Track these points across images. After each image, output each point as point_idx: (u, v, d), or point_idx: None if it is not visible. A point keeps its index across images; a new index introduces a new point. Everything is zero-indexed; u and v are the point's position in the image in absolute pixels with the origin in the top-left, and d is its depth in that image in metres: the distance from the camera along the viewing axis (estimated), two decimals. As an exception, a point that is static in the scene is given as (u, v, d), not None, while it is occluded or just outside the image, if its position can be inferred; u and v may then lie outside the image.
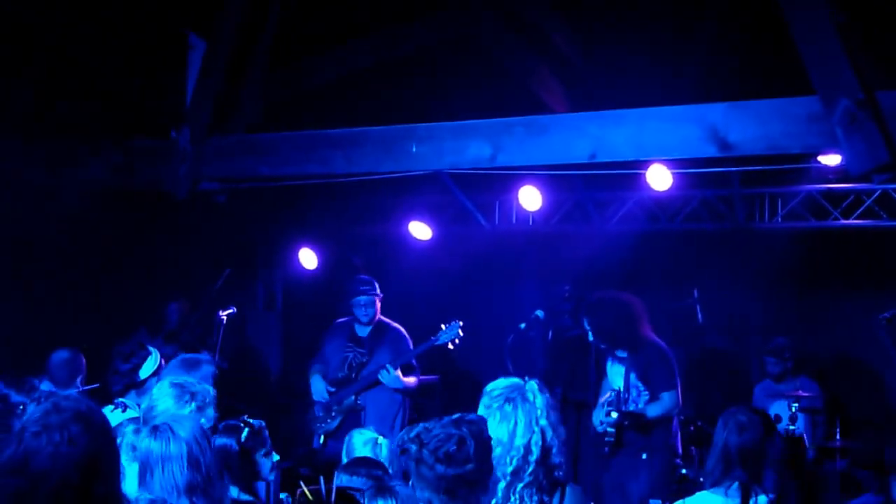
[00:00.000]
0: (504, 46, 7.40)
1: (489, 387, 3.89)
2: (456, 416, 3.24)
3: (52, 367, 6.21)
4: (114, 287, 8.05)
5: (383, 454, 4.85)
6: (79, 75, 7.15)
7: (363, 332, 7.45)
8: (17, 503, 2.37)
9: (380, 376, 7.12)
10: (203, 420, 3.91)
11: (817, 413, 7.57)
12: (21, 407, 3.94)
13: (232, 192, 7.32)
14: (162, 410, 3.93)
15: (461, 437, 3.10)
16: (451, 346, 7.21)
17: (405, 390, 7.30)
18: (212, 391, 4.15)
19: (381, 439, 5.01)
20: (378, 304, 7.44)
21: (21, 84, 6.91)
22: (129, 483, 3.51)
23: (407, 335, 7.40)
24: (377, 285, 7.48)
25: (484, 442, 3.18)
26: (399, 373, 7.18)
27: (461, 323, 7.14)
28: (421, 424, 3.21)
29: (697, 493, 3.89)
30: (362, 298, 7.38)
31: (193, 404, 3.95)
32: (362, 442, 4.97)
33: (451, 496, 3.07)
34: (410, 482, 3.32)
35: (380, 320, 7.45)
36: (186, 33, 6.98)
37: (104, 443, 2.50)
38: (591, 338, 6.69)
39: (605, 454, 6.54)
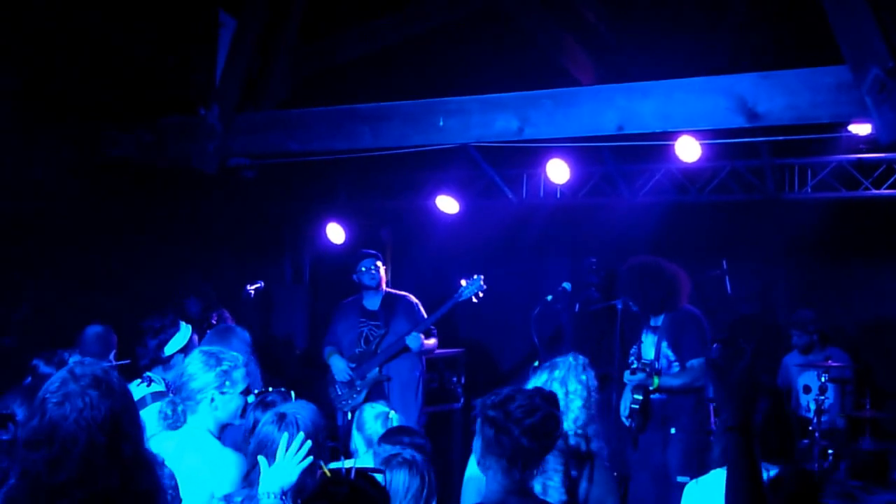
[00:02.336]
0: (531, 18, 7.37)
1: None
2: (532, 388, 3.29)
3: (86, 341, 6.30)
4: (143, 262, 8.15)
5: None
6: (109, 54, 7.20)
7: (373, 305, 7.48)
8: (51, 471, 2.44)
9: (408, 341, 7.16)
10: (228, 383, 3.95)
11: (847, 383, 7.55)
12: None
13: (261, 168, 7.37)
14: (190, 374, 3.98)
15: (548, 412, 3.15)
16: (475, 300, 7.20)
17: (429, 353, 7.41)
18: (241, 357, 4.19)
19: (392, 413, 5.01)
20: (383, 272, 7.46)
21: (52, 63, 6.98)
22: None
23: (417, 301, 7.44)
24: (380, 255, 7.53)
25: (559, 418, 3.23)
26: (423, 337, 7.24)
27: (482, 276, 7.14)
28: (501, 392, 3.22)
29: (712, 471, 3.91)
30: (367, 262, 7.39)
31: (219, 368, 3.98)
32: (373, 416, 4.98)
33: (523, 466, 3.11)
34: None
35: (387, 292, 7.49)
36: (216, 10, 7.01)
37: (123, 403, 2.57)
38: (627, 306, 6.65)
39: (631, 429, 6.54)
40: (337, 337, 7.56)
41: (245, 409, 4.12)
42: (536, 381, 4.11)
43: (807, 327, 7.64)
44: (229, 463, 3.77)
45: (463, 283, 7.19)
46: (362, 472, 3.08)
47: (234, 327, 5.41)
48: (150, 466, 2.63)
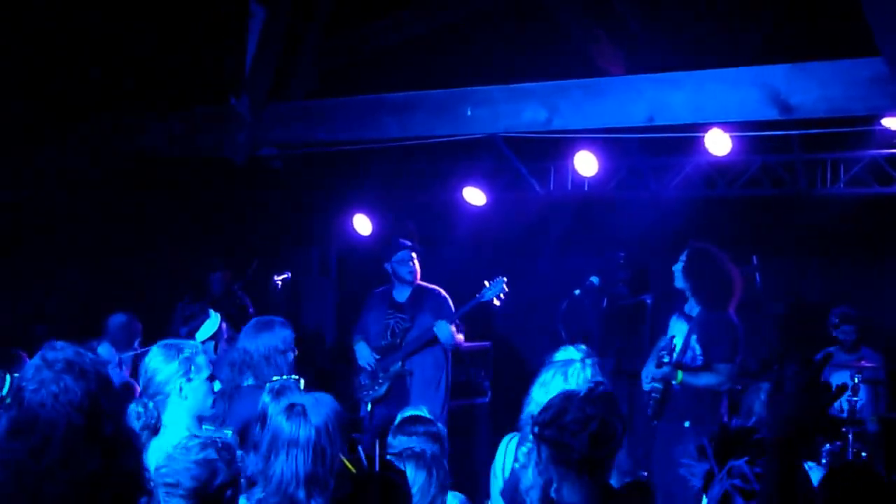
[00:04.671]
0: (561, 8, 7.32)
1: (556, 353, 4.17)
2: (584, 391, 3.19)
3: (111, 330, 6.37)
4: (172, 253, 8.21)
5: None
6: (140, 44, 7.26)
7: (402, 297, 7.42)
8: (34, 457, 2.46)
9: (436, 330, 7.08)
10: (192, 368, 3.95)
11: (880, 384, 7.43)
12: None
13: (288, 159, 7.39)
14: (154, 369, 3.98)
15: (603, 418, 3.10)
16: (496, 302, 7.11)
17: (456, 347, 7.30)
18: (199, 344, 4.18)
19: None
20: (418, 264, 7.39)
21: (84, 53, 7.04)
22: None
23: (447, 296, 7.35)
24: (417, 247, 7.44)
25: (616, 420, 3.16)
26: (454, 328, 7.17)
27: (505, 279, 7.02)
28: (551, 404, 3.16)
29: None
30: (404, 254, 7.30)
31: (181, 356, 3.97)
32: None
33: (591, 473, 3.08)
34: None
35: (418, 285, 7.39)
36: (247, 0, 7.03)
37: (98, 383, 2.58)
38: (678, 283, 6.55)
39: (648, 415, 6.46)
40: (366, 326, 7.53)
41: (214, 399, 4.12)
42: (546, 381, 4.08)
43: (851, 320, 7.49)
44: None
45: (486, 283, 7.12)
46: (388, 464, 3.05)
47: (275, 320, 5.39)
48: (132, 445, 2.66)
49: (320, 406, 3.44)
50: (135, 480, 2.60)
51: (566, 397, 3.18)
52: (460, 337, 7.25)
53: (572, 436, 3.05)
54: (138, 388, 5.60)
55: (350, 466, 3.03)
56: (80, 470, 2.46)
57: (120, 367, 6.03)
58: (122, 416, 2.66)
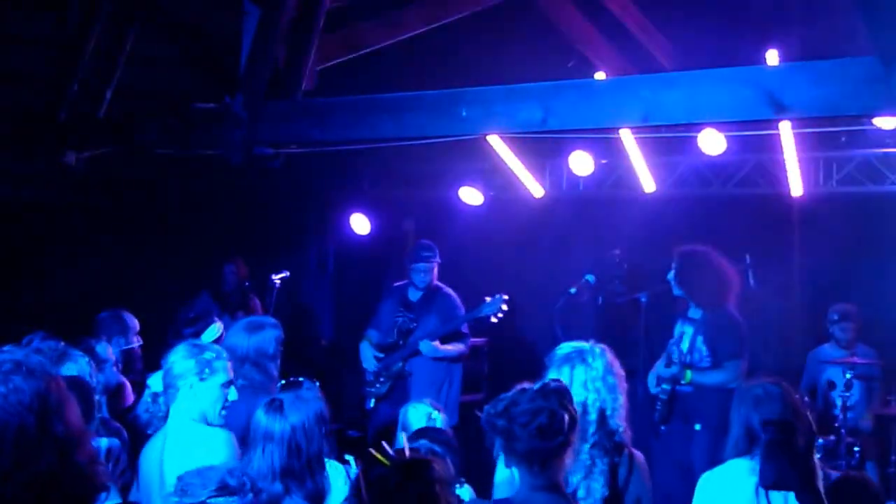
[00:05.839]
0: (556, 8, 7.34)
1: (557, 349, 4.03)
2: (538, 385, 3.23)
3: (101, 328, 6.40)
4: (172, 251, 8.21)
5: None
6: (135, 41, 7.26)
7: (415, 296, 7.49)
8: None
9: (420, 347, 7.19)
10: (207, 370, 3.98)
11: (873, 381, 7.46)
12: None
13: (286, 158, 7.39)
14: (172, 361, 4.02)
15: (552, 410, 3.12)
16: (493, 320, 7.20)
17: (448, 358, 7.33)
18: (225, 352, 4.20)
19: (435, 413, 5.04)
20: (435, 271, 7.47)
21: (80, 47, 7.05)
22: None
23: (458, 301, 7.40)
24: (437, 252, 7.50)
25: (571, 411, 3.19)
26: (437, 343, 7.19)
27: (506, 297, 7.09)
28: (504, 396, 3.20)
29: (727, 462, 3.85)
30: (421, 265, 7.41)
31: (200, 356, 4.01)
32: (417, 417, 5.01)
33: (543, 465, 3.12)
34: None
35: (434, 285, 7.48)
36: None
37: (48, 384, 2.53)
38: (676, 291, 6.58)
39: (655, 421, 6.48)
40: (379, 321, 7.60)
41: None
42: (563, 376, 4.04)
43: (854, 321, 7.52)
44: (218, 439, 3.83)
45: (487, 299, 7.17)
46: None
47: (265, 321, 5.39)
48: (85, 444, 2.58)
49: (300, 404, 3.49)
50: (89, 478, 2.53)
51: (520, 390, 3.22)
52: (455, 347, 7.30)
53: (521, 427, 3.09)
54: (129, 387, 5.68)
55: (382, 459, 3.05)
56: (34, 469, 2.40)
57: (116, 366, 6.04)
58: (72, 415, 2.55)
